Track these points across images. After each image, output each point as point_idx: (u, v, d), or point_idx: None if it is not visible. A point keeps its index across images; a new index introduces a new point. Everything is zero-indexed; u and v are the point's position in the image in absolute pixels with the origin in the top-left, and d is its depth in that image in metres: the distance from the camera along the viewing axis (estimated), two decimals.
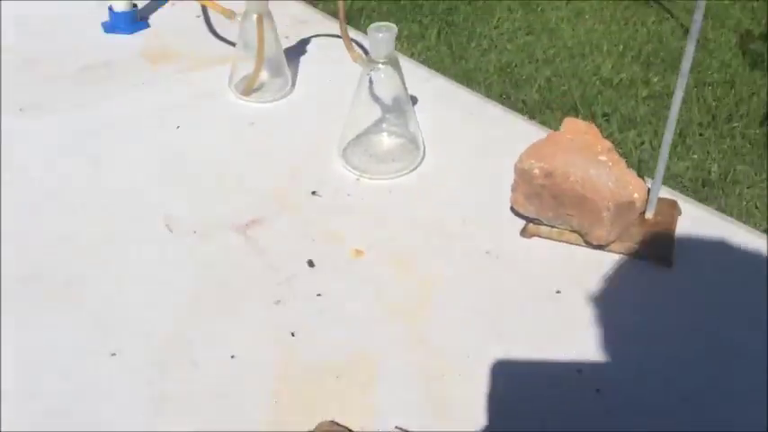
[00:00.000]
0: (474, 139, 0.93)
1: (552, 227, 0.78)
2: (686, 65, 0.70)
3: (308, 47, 1.20)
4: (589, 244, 0.76)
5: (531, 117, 3.11)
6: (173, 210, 0.83)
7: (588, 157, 0.77)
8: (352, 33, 0.96)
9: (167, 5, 1.31)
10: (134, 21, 1.27)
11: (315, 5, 1.37)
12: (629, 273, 0.72)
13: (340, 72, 1.12)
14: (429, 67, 1.30)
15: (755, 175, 2.74)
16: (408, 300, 0.71)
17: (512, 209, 0.78)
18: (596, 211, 0.74)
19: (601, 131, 2.56)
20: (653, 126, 3.01)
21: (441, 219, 0.81)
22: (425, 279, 0.74)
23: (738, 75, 3.41)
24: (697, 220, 0.77)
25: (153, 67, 1.11)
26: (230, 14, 1.10)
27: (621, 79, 3.34)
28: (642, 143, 2.87)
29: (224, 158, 0.92)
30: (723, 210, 2.53)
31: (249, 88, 1.08)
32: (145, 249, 0.78)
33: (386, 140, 0.94)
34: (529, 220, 0.78)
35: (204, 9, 1.27)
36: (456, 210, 0.82)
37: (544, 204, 0.76)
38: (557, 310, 0.69)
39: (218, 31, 1.20)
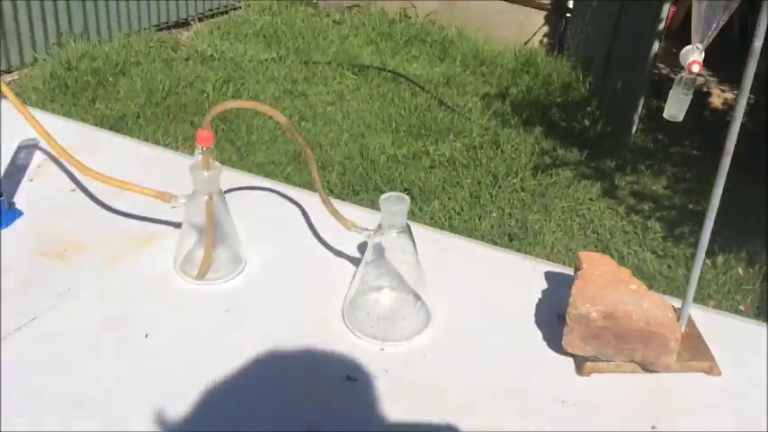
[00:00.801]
0: (467, 283, 0.92)
1: (610, 361, 0.80)
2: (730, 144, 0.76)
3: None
4: (647, 370, 0.80)
5: (342, 199, 3.15)
6: None
7: (626, 290, 0.81)
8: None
9: (25, 182, 1.12)
10: (3, 211, 1.03)
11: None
12: (700, 391, 0.76)
13: (282, 230, 1.04)
14: None
15: (545, 221, 3.11)
16: None
17: (558, 350, 0.79)
18: (664, 343, 0.77)
19: (422, 207, 2.62)
20: (447, 193, 3.27)
21: (492, 373, 0.78)
22: None
23: (498, 134, 3.86)
24: (711, 324, 0.85)
25: (65, 265, 0.93)
26: (169, 198, 0.95)
27: (405, 153, 3.58)
28: (449, 212, 3.09)
29: (223, 362, 0.77)
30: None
31: (204, 271, 0.95)
32: None
33: (388, 295, 0.90)
34: (580, 358, 0.81)
35: (77, 182, 1.11)
36: (500, 362, 0.79)
37: (604, 343, 0.78)
38: None
39: (111, 204, 1.04)
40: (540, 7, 5.43)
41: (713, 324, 0.89)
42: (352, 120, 3.90)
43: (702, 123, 4.63)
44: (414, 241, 0.84)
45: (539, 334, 0.87)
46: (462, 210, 3.04)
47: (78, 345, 0.82)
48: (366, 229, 0.86)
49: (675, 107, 0.80)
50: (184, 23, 5.16)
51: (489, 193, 3.21)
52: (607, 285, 0.80)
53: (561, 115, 4.26)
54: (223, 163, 0.96)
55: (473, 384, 0.80)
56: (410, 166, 3.39)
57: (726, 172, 0.75)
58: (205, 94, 3.99)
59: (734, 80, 4.87)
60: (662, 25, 3.98)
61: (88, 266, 0.95)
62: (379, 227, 0.83)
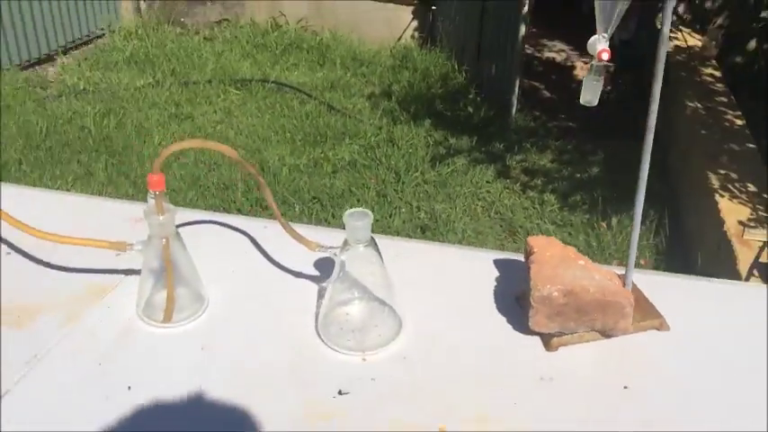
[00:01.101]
0: (426, 282, 0.97)
1: (573, 333, 0.87)
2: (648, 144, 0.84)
3: None
4: (606, 336, 0.88)
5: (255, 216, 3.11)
6: None
7: (577, 267, 0.88)
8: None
9: None
10: None
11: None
12: (656, 347, 0.86)
13: (236, 261, 1.05)
14: None
15: (452, 209, 3.22)
16: None
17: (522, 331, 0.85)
18: (620, 309, 0.85)
19: (315, 214, 2.66)
20: (355, 195, 3.32)
21: (471, 363, 0.84)
22: (528, 426, 0.76)
23: (392, 132, 3.95)
24: (647, 283, 0.95)
25: (23, 332, 0.89)
26: (124, 247, 0.93)
27: (305, 162, 3.59)
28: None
29: (215, 398, 0.78)
30: None
31: (170, 313, 0.94)
32: None
33: (357, 307, 0.93)
34: (546, 335, 0.87)
35: (10, 244, 1.06)
36: (474, 351, 0.86)
37: (567, 318, 0.85)
38: (635, 403, 0.78)
39: (50, 261, 1.01)
40: (405, 3, 5.57)
41: (650, 283, 0.99)
42: (246, 135, 3.86)
43: (571, 96, 4.94)
44: (379, 252, 0.88)
45: (502, 319, 0.93)
46: (373, 209, 3.10)
47: (59, 411, 0.80)
48: (331, 248, 0.89)
49: (590, 93, 0.87)
50: (48, 59, 4.91)
51: (395, 190, 3.29)
52: (560, 265, 0.87)
53: (445, 106, 4.41)
54: (120, 198, 0.96)
55: (456, 377, 0.85)
56: (313, 174, 3.41)
57: (650, 146, 0.84)
58: (86, 130, 3.82)
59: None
60: (525, 9, 4.20)
61: (48, 328, 0.92)
62: (345, 243, 0.87)
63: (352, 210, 0.85)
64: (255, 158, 3.56)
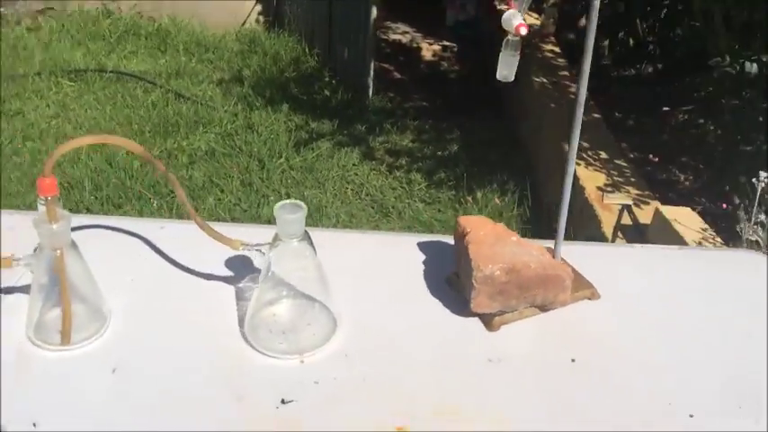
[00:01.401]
0: (352, 272, 0.91)
1: (514, 311, 0.85)
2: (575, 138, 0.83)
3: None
4: (545, 310, 0.87)
5: (106, 214, 2.85)
6: None
7: (511, 243, 0.86)
8: None
9: None
10: None
11: None
12: (592, 316, 0.86)
13: (138, 269, 0.93)
14: None
15: (322, 194, 3.16)
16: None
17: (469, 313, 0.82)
18: (560, 282, 0.84)
19: (176, 209, 2.50)
20: (217, 186, 3.15)
21: (415, 354, 0.80)
22: (487, 411, 0.73)
23: (249, 118, 3.80)
24: (570, 254, 0.95)
25: None
26: (6, 263, 0.79)
27: (158, 154, 3.35)
28: (226, 205, 2.99)
29: (140, 426, 0.68)
30: None
31: (67, 334, 0.80)
32: None
33: (285, 306, 0.85)
34: (487, 315, 0.84)
35: None
36: (416, 340, 0.82)
37: (508, 296, 0.83)
38: (586, 375, 0.77)
39: None
40: None
41: (572, 254, 1.00)
42: (86, 129, 3.55)
43: (421, 76, 5.02)
44: (313, 245, 0.82)
45: (437, 303, 0.90)
46: (240, 200, 2.97)
47: None
48: (258, 245, 0.81)
49: (506, 68, 0.85)
50: None
51: (260, 178, 3.17)
52: (496, 243, 0.85)
53: (300, 90, 4.32)
54: None
55: (403, 370, 0.81)
56: (169, 166, 3.21)
57: (580, 120, 0.83)
58: None
59: (434, 34, 5.36)
60: None
61: None
62: (276, 238, 0.79)
63: (284, 201, 0.78)
64: (102, 154, 3.29)
